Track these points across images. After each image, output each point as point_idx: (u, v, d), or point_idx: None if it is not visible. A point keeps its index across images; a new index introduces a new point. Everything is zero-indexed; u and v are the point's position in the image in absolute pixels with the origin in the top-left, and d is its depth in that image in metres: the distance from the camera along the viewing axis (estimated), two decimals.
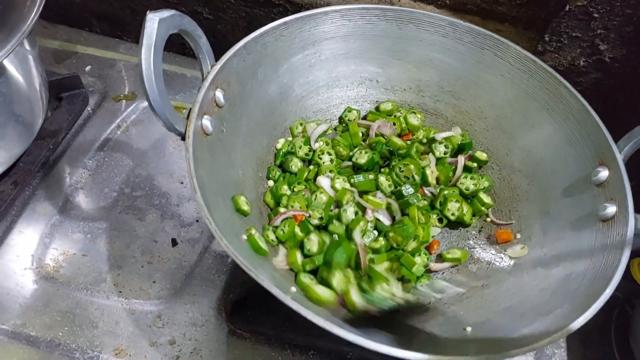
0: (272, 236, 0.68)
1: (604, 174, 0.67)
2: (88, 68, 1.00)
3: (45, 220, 0.78)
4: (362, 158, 0.78)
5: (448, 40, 0.81)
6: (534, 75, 0.77)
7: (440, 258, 0.73)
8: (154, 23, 0.56)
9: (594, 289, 0.58)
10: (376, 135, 0.81)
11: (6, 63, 0.73)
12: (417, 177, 0.76)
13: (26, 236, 0.77)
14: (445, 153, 0.80)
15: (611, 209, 0.64)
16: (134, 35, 1.08)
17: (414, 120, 0.83)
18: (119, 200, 0.82)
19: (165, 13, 0.57)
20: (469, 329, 0.61)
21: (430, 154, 0.80)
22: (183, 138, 0.61)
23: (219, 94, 0.67)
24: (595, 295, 0.56)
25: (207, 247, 0.78)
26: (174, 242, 0.78)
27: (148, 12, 0.56)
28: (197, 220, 0.80)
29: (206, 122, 0.64)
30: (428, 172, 0.77)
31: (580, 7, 0.79)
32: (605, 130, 0.68)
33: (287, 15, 0.76)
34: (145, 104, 0.95)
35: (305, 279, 0.64)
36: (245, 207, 0.66)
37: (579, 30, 0.83)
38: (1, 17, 0.68)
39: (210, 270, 0.75)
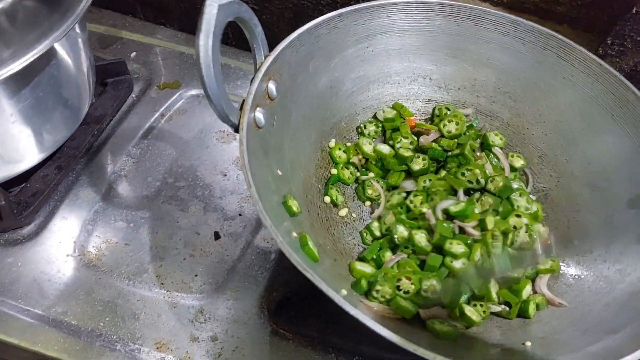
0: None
1: None
2: (133, 54, 0.99)
3: (88, 207, 0.77)
4: (417, 164, 0.75)
5: (508, 39, 0.77)
6: (599, 80, 0.73)
7: None
8: (214, 9, 0.54)
9: None
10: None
11: (57, 46, 0.72)
12: (482, 181, 0.72)
13: (69, 222, 0.76)
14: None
15: None
16: (178, 23, 1.07)
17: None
18: (162, 190, 0.81)
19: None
20: (528, 343, 0.59)
21: (484, 152, 0.77)
22: (236, 130, 0.58)
23: (271, 86, 0.65)
24: None
25: (249, 242, 0.76)
26: (217, 236, 0.76)
27: None
28: (239, 214, 0.79)
29: (259, 114, 0.62)
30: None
31: None
32: None
33: (335, 7, 0.74)
34: (189, 92, 0.94)
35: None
36: (295, 208, 0.64)
37: None
38: None
39: (252, 267, 0.73)
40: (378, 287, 0.62)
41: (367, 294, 0.63)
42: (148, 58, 0.99)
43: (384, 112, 0.79)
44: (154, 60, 0.99)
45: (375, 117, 0.80)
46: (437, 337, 0.60)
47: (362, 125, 0.79)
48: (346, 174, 0.75)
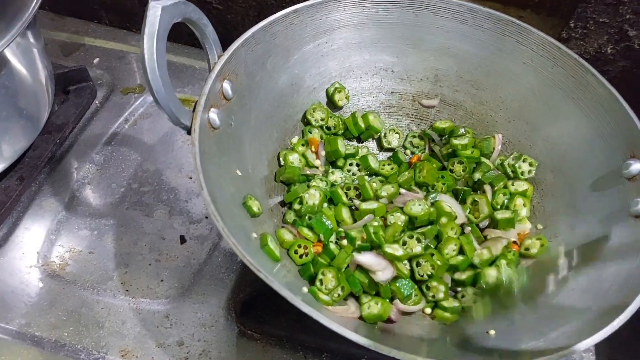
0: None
1: (635, 167, 0.63)
2: (96, 60, 0.98)
3: (51, 217, 0.76)
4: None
5: (467, 27, 0.77)
6: (559, 63, 0.72)
7: None
8: (157, 11, 0.53)
9: (628, 289, 0.54)
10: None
11: (9, 55, 0.71)
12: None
13: (32, 233, 0.75)
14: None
15: None
16: None
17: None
18: (127, 196, 0.80)
19: (169, 0, 0.54)
20: (492, 332, 0.58)
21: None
22: (189, 132, 0.58)
23: (226, 86, 0.64)
24: (630, 296, 0.53)
25: (216, 244, 0.75)
26: (183, 239, 0.76)
27: (150, 0, 0.53)
28: (206, 217, 0.78)
29: (213, 115, 0.61)
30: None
31: None
32: (637, 121, 0.64)
33: (299, 2, 0.73)
34: None
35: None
36: (255, 209, 0.63)
37: (607, 15, 0.79)
38: (2, 7, 0.65)
39: (219, 269, 0.73)
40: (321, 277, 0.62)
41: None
42: (111, 63, 0.98)
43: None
44: (117, 65, 0.98)
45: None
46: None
47: (310, 110, 0.77)
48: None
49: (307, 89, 0.77)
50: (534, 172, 0.74)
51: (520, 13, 0.88)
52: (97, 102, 0.91)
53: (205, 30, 0.62)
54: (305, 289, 0.60)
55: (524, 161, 0.74)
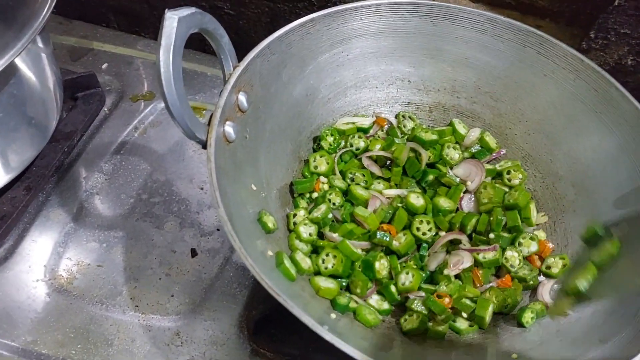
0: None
1: None
2: (104, 66, 0.97)
3: (59, 228, 0.75)
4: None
5: (486, 38, 0.75)
6: (581, 76, 0.71)
7: None
8: (173, 22, 0.51)
9: None
10: None
11: (18, 62, 0.69)
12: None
13: (39, 245, 0.73)
14: None
15: None
16: (152, 31, 1.04)
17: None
18: (136, 207, 0.78)
19: (185, 11, 0.52)
20: (514, 356, 0.56)
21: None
22: (204, 147, 0.56)
23: (242, 98, 0.62)
24: None
25: (228, 258, 0.73)
26: (194, 253, 0.74)
27: (167, 10, 0.51)
28: (217, 229, 0.76)
29: (229, 128, 0.59)
30: None
31: (630, 1, 0.73)
32: None
33: (312, 10, 0.71)
34: (164, 104, 0.91)
35: None
36: (270, 225, 0.61)
37: (628, 26, 0.77)
38: (12, 13, 0.64)
39: (231, 284, 0.71)
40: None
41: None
42: (120, 69, 0.96)
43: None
44: (126, 71, 0.96)
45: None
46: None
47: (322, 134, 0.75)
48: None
49: (322, 99, 0.76)
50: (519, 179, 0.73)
51: (538, 22, 0.86)
52: (105, 109, 0.90)
53: (221, 40, 0.60)
54: (333, 315, 0.58)
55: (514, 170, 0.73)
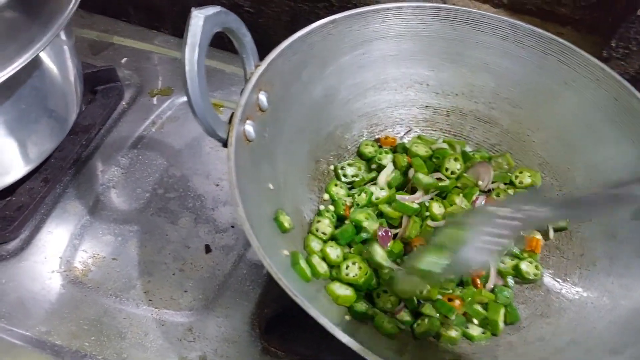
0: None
1: None
2: (124, 60, 0.97)
3: (75, 220, 0.75)
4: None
5: (507, 44, 0.75)
6: (602, 85, 0.70)
7: None
8: (200, 20, 0.52)
9: None
10: None
11: (42, 56, 0.70)
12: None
13: (55, 237, 0.73)
14: None
15: None
16: (171, 26, 1.04)
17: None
18: (152, 202, 0.78)
19: (211, 10, 0.52)
20: None
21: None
22: (224, 144, 0.56)
23: (262, 97, 0.62)
24: None
25: (242, 255, 0.73)
26: (208, 249, 0.74)
27: (193, 9, 0.51)
28: (232, 226, 0.76)
29: (249, 127, 0.59)
30: None
31: None
32: None
33: (332, 10, 0.71)
34: (182, 99, 0.92)
35: None
36: (286, 224, 0.61)
37: None
38: (38, 7, 0.64)
39: (244, 282, 0.71)
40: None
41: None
42: (140, 64, 0.97)
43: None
44: (145, 66, 0.97)
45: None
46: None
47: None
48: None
49: (342, 100, 0.76)
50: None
51: (559, 30, 0.86)
52: (124, 103, 0.90)
53: (244, 39, 0.60)
54: (347, 317, 0.58)
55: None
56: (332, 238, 0.66)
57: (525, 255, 0.69)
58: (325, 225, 0.67)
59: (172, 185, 0.80)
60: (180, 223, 0.76)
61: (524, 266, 0.67)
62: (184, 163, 0.83)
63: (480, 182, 0.74)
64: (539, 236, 0.70)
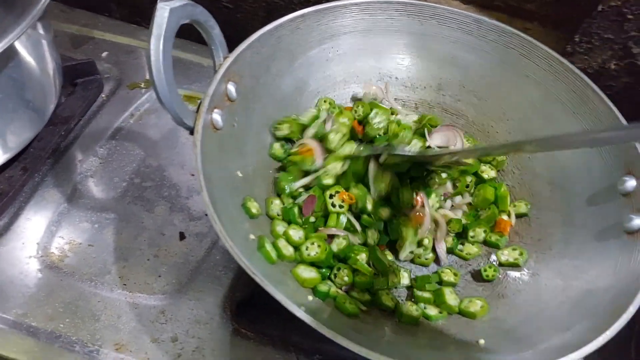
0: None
1: (631, 183, 0.64)
2: (105, 54, 0.99)
3: (53, 208, 0.77)
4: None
5: (472, 38, 0.78)
6: (560, 77, 0.73)
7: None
8: (165, 12, 0.54)
9: (617, 305, 0.55)
10: None
11: (18, 47, 0.72)
12: None
13: (33, 223, 0.76)
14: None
15: (637, 221, 0.61)
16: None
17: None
18: (129, 191, 0.81)
19: (177, 2, 0.55)
20: (481, 341, 0.59)
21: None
22: (192, 132, 0.59)
23: (231, 88, 0.65)
24: (618, 312, 0.53)
25: (215, 242, 0.76)
26: (182, 236, 0.76)
27: (159, 0, 0.54)
28: (206, 214, 0.79)
29: (216, 116, 0.62)
30: None
31: (613, 7, 0.75)
32: None
33: (307, 5, 0.74)
34: None
35: None
36: (254, 210, 0.64)
37: (611, 31, 0.79)
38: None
39: (217, 267, 0.73)
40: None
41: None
42: (119, 58, 0.99)
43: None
44: (125, 59, 0.99)
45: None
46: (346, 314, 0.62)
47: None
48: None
49: (311, 92, 0.78)
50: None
51: (526, 25, 0.89)
52: (103, 95, 0.92)
53: (212, 32, 0.63)
54: (310, 297, 0.61)
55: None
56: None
57: (496, 236, 0.72)
58: (277, 206, 0.70)
59: (149, 175, 0.83)
60: (156, 211, 0.79)
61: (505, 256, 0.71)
62: (161, 153, 0.85)
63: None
64: (507, 217, 0.74)
